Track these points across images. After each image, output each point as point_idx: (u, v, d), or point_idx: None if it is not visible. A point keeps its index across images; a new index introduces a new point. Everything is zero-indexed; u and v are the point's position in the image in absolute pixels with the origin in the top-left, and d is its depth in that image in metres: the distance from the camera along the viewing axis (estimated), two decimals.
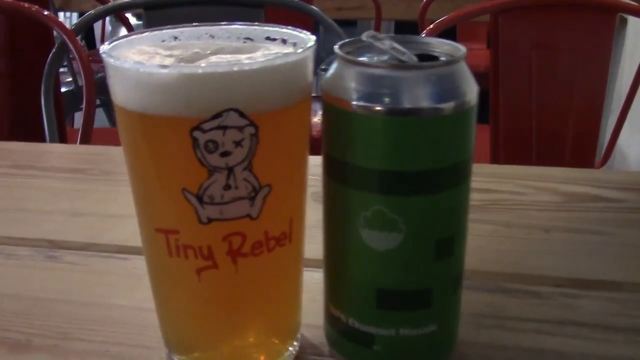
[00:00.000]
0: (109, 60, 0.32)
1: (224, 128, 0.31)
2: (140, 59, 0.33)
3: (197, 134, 0.31)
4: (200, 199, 0.32)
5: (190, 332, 0.37)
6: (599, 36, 1.25)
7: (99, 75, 1.57)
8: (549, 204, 0.59)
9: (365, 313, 0.36)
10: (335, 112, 0.33)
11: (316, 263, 0.38)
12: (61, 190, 0.64)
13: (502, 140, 1.31)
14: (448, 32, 2.51)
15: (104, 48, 0.33)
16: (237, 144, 0.31)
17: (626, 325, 0.43)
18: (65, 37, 1.02)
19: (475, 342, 0.41)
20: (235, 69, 0.30)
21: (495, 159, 1.30)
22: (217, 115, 0.30)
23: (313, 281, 0.40)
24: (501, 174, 0.66)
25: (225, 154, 0.31)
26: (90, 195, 0.62)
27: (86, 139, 1.03)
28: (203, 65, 0.32)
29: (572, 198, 0.60)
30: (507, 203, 0.60)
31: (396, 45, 0.34)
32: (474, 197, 0.60)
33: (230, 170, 0.32)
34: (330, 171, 0.35)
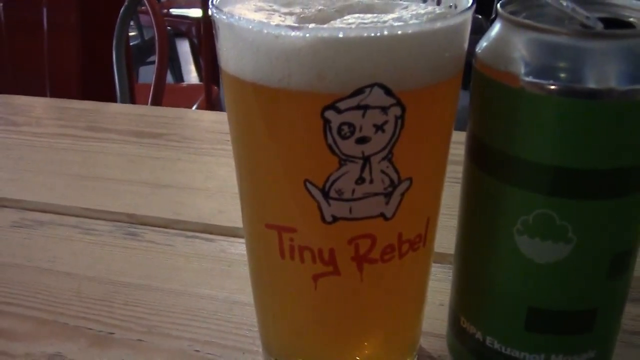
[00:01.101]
0: (222, 18, 0.26)
1: (364, 108, 0.24)
2: (256, 17, 0.27)
3: (330, 114, 0.25)
4: (326, 193, 0.26)
5: (299, 342, 0.32)
6: None
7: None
8: None
9: (510, 333, 0.30)
10: (495, 88, 0.27)
11: (438, 257, 0.32)
12: (140, 157, 0.59)
13: None
14: None
15: (213, 1, 0.27)
16: (379, 128, 0.25)
17: None
18: None
19: None
20: (385, 33, 0.23)
21: None
22: (358, 92, 0.24)
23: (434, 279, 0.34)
24: None
25: (362, 140, 0.25)
26: (172, 165, 0.57)
27: (158, 100, 0.99)
28: (344, 27, 0.25)
29: None
30: None
31: (577, 6, 0.27)
32: None
33: (366, 160, 0.26)
34: (480, 161, 0.28)
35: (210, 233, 0.46)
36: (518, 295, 0.29)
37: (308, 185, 0.26)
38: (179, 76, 2.67)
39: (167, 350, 0.36)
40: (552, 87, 0.25)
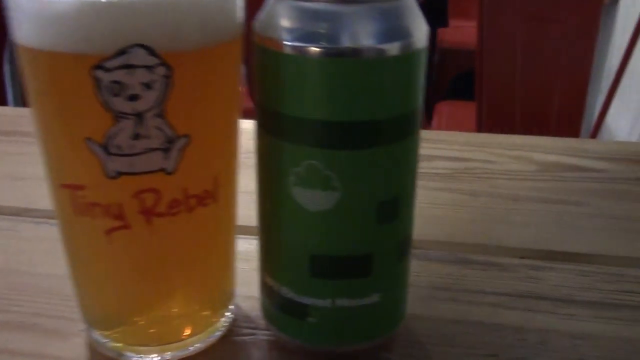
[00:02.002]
0: None
1: (129, 67, 0.27)
2: None
3: (99, 73, 0.27)
4: (106, 149, 0.28)
5: (105, 303, 0.34)
6: (586, 9, 1.21)
7: None
8: (521, 173, 0.56)
9: (299, 281, 0.33)
10: (266, 53, 0.30)
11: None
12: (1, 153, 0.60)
13: (485, 116, 1.27)
14: (439, 8, 2.46)
15: None
16: (147, 86, 0.27)
17: (593, 300, 0.39)
18: None
19: (426, 316, 0.38)
20: None
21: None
22: (121, 52, 0.26)
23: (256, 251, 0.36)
24: (474, 142, 0.62)
25: (132, 97, 0.27)
26: (28, 159, 0.58)
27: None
28: None
29: (545, 167, 0.57)
30: (476, 172, 0.56)
31: None
32: (442, 166, 0.57)
33: (139, 116, 0.28)
34: (262, 121, 0.31)
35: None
36: (301, 245, 0.32)
37: (89, 142, 0.28)
38: None
39: None
40: (310, 48, 0.28)
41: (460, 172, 0.56)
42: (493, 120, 1.27)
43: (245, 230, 0.38)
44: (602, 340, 0.36)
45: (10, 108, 0.84)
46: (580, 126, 1.26)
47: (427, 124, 1.79)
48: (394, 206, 0.31)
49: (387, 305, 0.34)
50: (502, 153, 0.59)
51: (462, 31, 2.46)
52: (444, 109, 1.87)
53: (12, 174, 0.55)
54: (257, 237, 0.34)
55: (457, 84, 2.37)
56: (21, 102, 1.03)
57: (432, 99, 2.29)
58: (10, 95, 1.02)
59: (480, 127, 1.29)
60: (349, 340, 0.34)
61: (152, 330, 0.34)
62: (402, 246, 0.33)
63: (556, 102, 1.22)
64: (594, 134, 1.40)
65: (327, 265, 0.32)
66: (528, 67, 1.23)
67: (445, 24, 2.62)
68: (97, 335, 0.34)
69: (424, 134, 0.65)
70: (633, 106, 1.83)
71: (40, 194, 0.51)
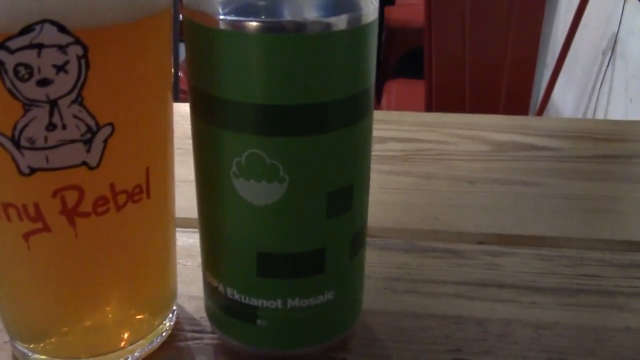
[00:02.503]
0: None
1: (38, 47, 0.23)
2: None
3: (2, 54, 0.23)
4: (16, 143, 0.25)
5: (29, 314, 0.30)
6: None
7: None
8: (476, 154, 0.54)
9: (246, 282, 0.30)
10: (197, 30, 0.26)
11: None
12: None
13: (435, 94, 1.26)
14: None
15: None
16: (60, 68, 0.24)
17: (555, 286, 0.38)
18: None
19: (383, 311, 0.35)
20: None
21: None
22: (27, 29, 0.23)
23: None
24: (425, 122, 0.60)
25: (43, 82, 0.24)
26: None
27: None
28: None
29: (501, 147, 0.55)
30: (430, 153, 0.54)
31: None
32: (394, 148, 0.55)
33: (53, 104, 0.24)
34: (197, 107, 0.28)
35: None
36: (246, 242, 0.29)
37: None
38: None
39: None
40: (249, 23, 0.25)
41: (412, 154, 0.54)
42: (442, 99, 1.26)
43: (188, 223, 0.35)
44: (565, 329, 0.34)
45: None
46: (529, 104, 1.26)
47: (377, 103, 1.77)
48: (347, 197, 0.29)
49: (342, 303, 0.31)
50: (455, 133, 0.57)
51: (409, 9, 2.45)
52: (392, 87, 1.86)
53: None
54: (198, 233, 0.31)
55: (405, 62, 2.36)
56: None
57: (381, 78, 2.28)
58: None
59: (430, 106, 1.28)
60: (303, 343, 0.31)
61: (84, 341, 0.31)
62: (356, 239, 0.30)
63: (505, 79, 1.21)
64: (541, 110, 1.40)
65: (276, 263, 0.29)
66: (476, 44, 1.22)
67: (391, 1, 2.60)
68: (22, 348, 0.31)
69: (377, 115, 0.63)
70: (578, 82, 1.86)
71: None
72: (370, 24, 0.27)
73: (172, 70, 0.29)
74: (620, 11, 1.54)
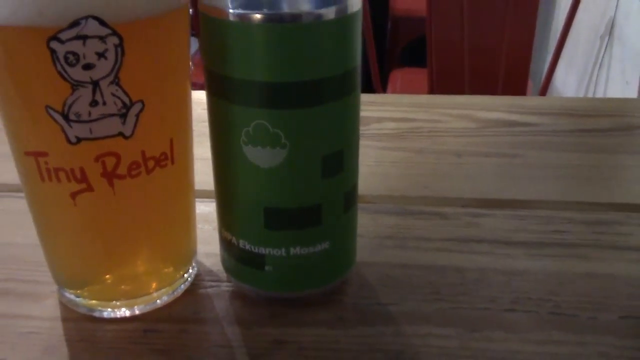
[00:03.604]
0: None
1: (83, 38, 0.29)
2: None
3: (54, 44, 0.29)
4: (66, 116, 0.30)
5: (75, 264, 0.36)
6: None
7: None
8: (464, 130, 0.59)
9: (255, 234, 0.35)
10: (212, 22, 0.32)
11: None
12: None
13: (435, 80, 1.31)
14: None
15: None
16: (100, 55, 0.29)
17: (525, 240, 0.43)
18: None
19: (374, 262, 0.41)
20: None
21: None
22: (74, 24, 0.28)
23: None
24: (419, 103, 0.65)
25: (87, 66, 0.29)
26: None
27: None
28: None
29: (487, 124, 0.60)
30: (422, 130, 0.59)
31: None
32: (389, 127, 0.60)
33: (95, 84, 0.30)
34: (211, 87, 0.34)
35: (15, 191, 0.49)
36: (255, 199, 0.34)
37: (50, 110, 0.30)
38: None
39: None
40: (254, 15, 0.30)
41: (406, 132, 0.59)
42: (444, 85, 1.31)
43: (205, 194, 0.40)
44: (533, 275, 0.40)
45: None
46: (526, 87, 1.31)
47: (383, 91, 1.82)
48: (339, 160, 0.34)
49: (337, 252, 0.37)
50: (446, 112, 0.63)
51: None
52: (397, 76, 1.90)
53: None
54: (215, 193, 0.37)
55: (410, 51, 2.40)
56: None
57: (387, 66, 2.32)
58: None
59: (432, 92, 1.33)
60: (304, 286, 0.37)
61: (120, 287, 0.36)
62: (348, 197, 0.36)
63: (503, 65, 1.26)
64: (543, 93, 1.45)
65: (280, 217, 0.34)
66: (475, 31, 1.27)
67: None
68: (69, 294, 0.37)
69: (374, 98, 0.68)
70: (579, 66, 1.89)
71: (1, 169, 0.52)
72: (355, 13, 0.32)
73: (190, 57, 0.35)
74: None
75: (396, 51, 2.46)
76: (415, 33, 2.24)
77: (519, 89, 1.27)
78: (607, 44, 1.65)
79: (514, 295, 0.38)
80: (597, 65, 1.71)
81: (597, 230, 0.44)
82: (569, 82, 1.99)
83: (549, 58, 1.49)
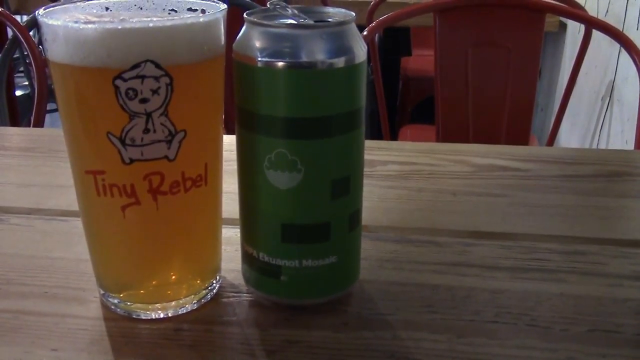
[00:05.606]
0: (43, 20, 0.37)
1: (142, 77, 0.36)
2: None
3: (118, 82, 0.36)
4: (122, 141, 0.37)
5: (119, 269, 0.42)
6: (529, 36, 1.33)
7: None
8: (460, 173, 0.65)
9: (273, 247, 0.41)
10: (243, 67, 0.39)
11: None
12: (10, 165, 0.68)
13: (442, 135, 1.38)
14: (404, 38, 2.57)
15: (39, 12, 0.38)
16: (154, 92, 0.36)
17: (510, 266, 0.49)
18: (16, 30, 1.06)
19: (376, 280, 0.47)
20: (150, 25, 0.35)
21: None
22: (135, 66, 0.35)
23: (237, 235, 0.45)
24: (421, 149, 0.72)
25: (143, 100, 0.36)
26: (37, 170, 0.66)
27: (38, 124, 1.07)
28: (122, 20, 0.37)
29: (481, 168, 0.67)
30: (422, 173, 0.66)
31: (297, 12, 0.40)
32: (393, 169, 0.67)
33: (148, 115, 0.37)
34: (241, 121, 0.40)
35: (66, 216, 0.56)
36: (274, 216, 0.41)
37: (110, 136, 0.37)
38: None
39: (22, 294, 0.45)
40: (278, 63, 0.37)
41: (408, 173, 0.65)
42: (450, 140, 1.38)
43: (229, 222, 0.46)
44: (514, 293, 0.45)
45: (20, 129, 0.91)
46: (528, 142, 1.37)
47: None
48: (346, 184, 0.41)
49: (343, 266, 0.43)
50: (445, 158, 0.69)
51: (425, 60, 2.59)
52: (407, 132, 1.98)
53: (23, 182, 0.63)
54: (237, 226, 0.43)
55: (420, 109, 2.49)
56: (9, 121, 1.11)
57: (398, 123, 2.41)
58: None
59: None
60: (314, 295, 0.43)
61: (155, 293, 0.42)
62: (353, 217, 0.42)
63: (505, 121, 1.33)
64: None
65: (295, 232, 0.41)
66: (479, 90, 1.35)
67: (409, 53, 2.76)
68: (111, 298, 0.43)
69: (381, 144, 0.75)
70: (582, 125, 1.97)
71: (47, 196, 0.59)
72: (361, 63, 0.39)
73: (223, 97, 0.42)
74: (616, 60, 1.66)
75: (407, 109, 2.55)
76: (425, 93, 2.33)
77: (520, 144, 1.34)
78: (608, 105, 1.73)
79: (496, 309, 0.44)
80: (599, 125, 1.78)
81: (573, 259, 0.50)
82: (572, 141, 2.06)
83: (554, 118, 1.56)
